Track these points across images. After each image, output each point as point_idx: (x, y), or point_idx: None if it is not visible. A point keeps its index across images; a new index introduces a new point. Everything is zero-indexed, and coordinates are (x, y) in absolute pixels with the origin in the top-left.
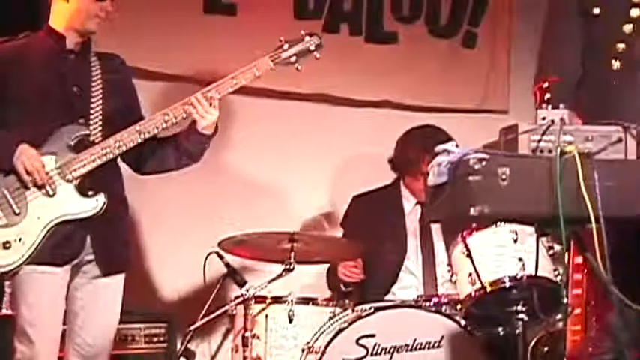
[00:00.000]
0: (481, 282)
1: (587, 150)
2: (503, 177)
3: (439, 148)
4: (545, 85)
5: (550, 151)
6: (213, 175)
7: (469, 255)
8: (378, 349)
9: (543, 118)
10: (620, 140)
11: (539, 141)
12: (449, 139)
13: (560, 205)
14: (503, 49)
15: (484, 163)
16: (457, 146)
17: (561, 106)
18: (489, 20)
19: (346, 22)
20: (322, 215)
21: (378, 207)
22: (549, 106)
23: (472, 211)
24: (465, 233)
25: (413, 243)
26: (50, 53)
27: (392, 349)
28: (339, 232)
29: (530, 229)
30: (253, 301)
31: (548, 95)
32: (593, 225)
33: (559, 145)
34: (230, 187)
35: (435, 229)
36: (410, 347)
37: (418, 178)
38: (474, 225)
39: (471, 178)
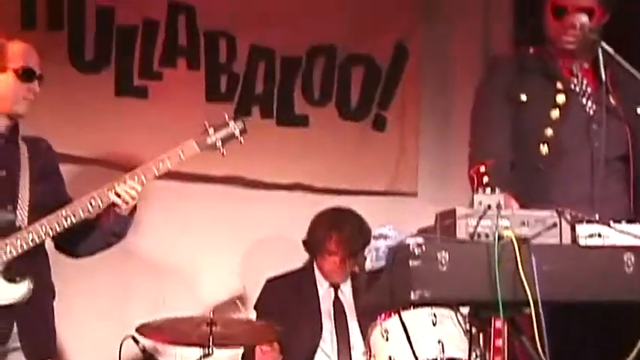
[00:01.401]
0: None
1: (524, 234)
2: (443, 262)
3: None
4: (483, 168)
5: (487, 236)
6: (125, 258)
7: (388, 338)
8: None
9: (480, 203)
10: (555, 225)
11: (477, 226)
12: (359, 219)
13: (499, 290)
14: (412, 132)
15: (424, 247)
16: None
17: (497, 190)
18: (398, 103)
19: (257, 104)
20: (235, 299)
21: (292, 290)
22: (488, 189)
23: (412, 296)
24: (384, 316)
25: (328, 325)
26: None
27: None
28: (252, 316)
29: (449, 311)
30: None
31: (486, 179)
32: (532, 309)
33: (497, 230)
34: (142, 271)
35: (349, 310)
36: None
37: (326, 257)
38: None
39: (411, 262)
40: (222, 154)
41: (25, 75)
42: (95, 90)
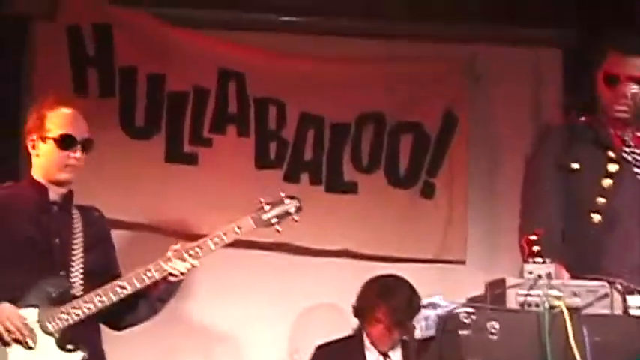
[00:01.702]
0: None
1: (575, 305)
2: (493, 331)
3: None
4: (533, 238)
5: (538, 305)
6: (173, 323)
7: None
8: None
9: (530, 272)
10: (606, 295)
11: (527, 295)
12: (410, 288)
13: None
14: (461, 200)
15: (474, 317)
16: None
17: (547, 260)
18: (447, 170)
19: (307, 171)
20: None
21: (342, 357)
22: (539, 259)
23: None
24: None
25: None
26: (33, 204)
27: None
28: None
29: None
30: None
31: (537, 248)
32: None
33: (547, 299)
34: (189, 337)
35: None
36: None
37: (374, 324)
38: None
39: (460, 332)
40: (277, 231)
41: (64, 143)
42: (145, 156)
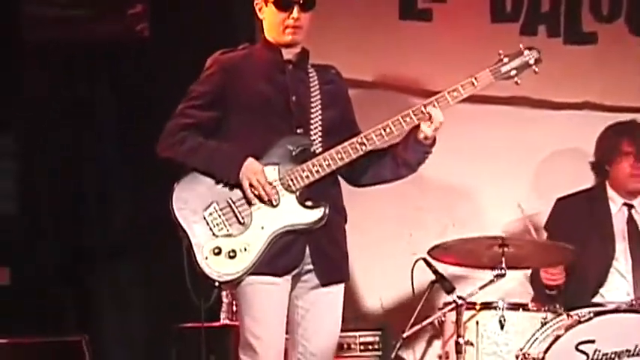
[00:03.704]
0: None
1: None
2: None
3: None
4: None
5: None
6: (415, 183)
7: None
8: (598, 355)
9: None
10: None
11: None
12: None
13: None
14: None
15: None
16: None
17: None
18: None
19: (544, 24)
20: (525, 219)
21: (584, 208)
22: None
23: None
24: None
25: (621, 245)
26: (269, 64)
27: (613, 355)
28: (542, 236)
29: None
30: (464, 307)
31: None
32: None
33: None
34: (432, 194)
35: None
36: (631, 353)
37: (619, 163)
38: None
39: None
40: (517, 83)
41: (281, 3)
42: (379, 14)
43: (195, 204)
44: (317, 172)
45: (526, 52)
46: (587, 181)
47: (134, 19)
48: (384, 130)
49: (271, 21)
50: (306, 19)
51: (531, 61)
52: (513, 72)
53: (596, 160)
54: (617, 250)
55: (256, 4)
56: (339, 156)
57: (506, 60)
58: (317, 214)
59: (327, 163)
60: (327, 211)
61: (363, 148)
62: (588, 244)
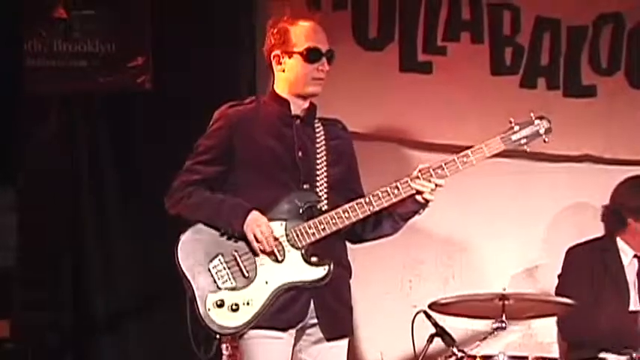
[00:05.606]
0: None
1: None
2: None
3: None
4: None
5: None
6: (414, 235)
7: None
8: None
9: None
10: None
11: None
12: None
13: None
14: None
15: None
16: None
17: None
18: None
19: (544, 76)
20: (534, 269)
21: (597, 257)
22: None
23: None
24: None
25: (634, 296)
26: (277, 119)
27: None
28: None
29: None
30: None
31: None
32: None
33: None
34: (430, 247)
35: None
36: None
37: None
38: None
39: None
40: (525, 150)
41: (311, 55)
42: (380, 67)
43: (200, 255)
44: (323, 229)
45: (537, 121)
46: (590, 233)
47: (135, 71)
48: (392, 192)
49: (297, 72)
50: (326, 71)
51: (541, 131)
52: (523, 140)
53: (615, 209)
54: (631, 299)
55: (273, 56)
56: (346, 215)
57: (517, 128)
58: (321, 272)
59: (334, 222)
60: (331, 268)
61: (371, 208)
62: (602, 292)
